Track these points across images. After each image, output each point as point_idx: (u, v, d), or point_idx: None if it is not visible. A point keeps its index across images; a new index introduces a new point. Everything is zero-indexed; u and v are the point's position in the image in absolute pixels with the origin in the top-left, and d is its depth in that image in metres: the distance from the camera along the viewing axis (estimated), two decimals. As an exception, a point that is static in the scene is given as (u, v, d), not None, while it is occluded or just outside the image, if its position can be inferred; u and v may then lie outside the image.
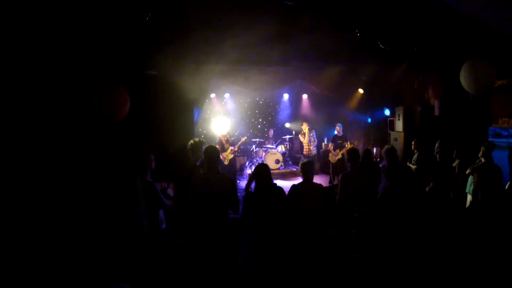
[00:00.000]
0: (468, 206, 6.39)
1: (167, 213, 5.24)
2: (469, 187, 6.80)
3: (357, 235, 3.05)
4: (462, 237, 4.06)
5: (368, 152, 7.69)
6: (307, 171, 5.27)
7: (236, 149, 11.66)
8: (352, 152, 5.84)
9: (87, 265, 5.01)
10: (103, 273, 4.76)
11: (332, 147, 11.30)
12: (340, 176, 5.84)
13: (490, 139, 8.95)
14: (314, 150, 11.89)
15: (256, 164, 12.47)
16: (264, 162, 5.36)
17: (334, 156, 11.13)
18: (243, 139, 11.76)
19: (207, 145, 5.08)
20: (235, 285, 5.05)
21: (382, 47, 6.60)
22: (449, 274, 3.64)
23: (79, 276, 4.80)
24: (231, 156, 11.24)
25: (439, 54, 7.50)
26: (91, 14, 5.26)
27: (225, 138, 11.19)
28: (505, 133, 9.16)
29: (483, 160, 6.54)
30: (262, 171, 4.95)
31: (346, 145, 11.01)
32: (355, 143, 11.59)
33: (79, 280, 4.74)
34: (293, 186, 5.26)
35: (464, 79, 5.83)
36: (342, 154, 10.89)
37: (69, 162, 6.18)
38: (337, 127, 11.47)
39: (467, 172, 6.83)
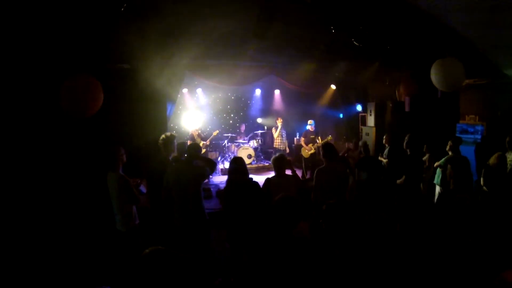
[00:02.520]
0: (440, 196, 6.60)
1: (140, 209, 5.14)
2: (437, 179, 7.02)
3: (325, 226, 3.09)
4: (434, 225, 4.17)
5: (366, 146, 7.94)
6: (280, 165, 5.28)
7: (208, 144, 11.66)
8: (327, 146, 5.84)
9: (58, 267, 4.86)
10: (77, 274, 4.62)
11: (304, 142, 11.44)
12: (315, 171, 5.85)
13: (457, 135, 9.23)
14: (282, 145, 12.24)
15: (229, 159, 12.65)
16: (239, 156, 5.32)
17: (307, 151, 11.31)
18: (214, 133, 11.81)
19: (180, 140, 5.07)
20: (215, 279, 5.04)
21: (356, 44, 6.64)
22: (421, 261, 3.73)
23: (51, 279, 4.66)
24: (203, 150, 11.21)
25: (410, 53, 7.64)
26: (59, 4, 5.08)
27: (197, 133, 11.15)
28: (472, 130, 9.47)
29: (450, 153, 6.76)
30: (239, 165, 4.95)
31: (318, 140, 11.28)
32: (328, 138, 11.81)
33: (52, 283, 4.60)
34: (268, 180, 5.27)
35: (434, 76, 5.94)
36: (315, 149, 11.14)
37: (37, 157, 5.98)
38: (309, 123, 11.64)
39: (435, 165, 7.03)
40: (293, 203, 3.01)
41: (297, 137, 13.79)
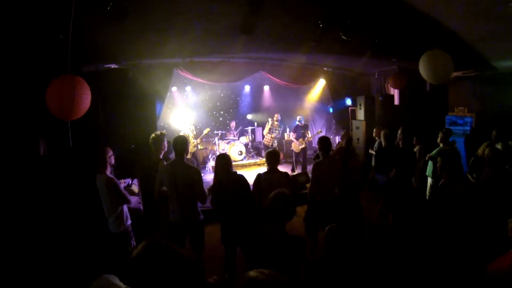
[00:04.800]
0: (433, 188, 6.64)
1: (133, 210, 5.10)
2: (428, 170, 7.06)
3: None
4: (429, 217, 4.20)
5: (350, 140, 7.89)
6: (272, 160, 5.27)
7: (199, 142, 11.61)
8: (324, 140, 5.81)
9: (51, 269, 4.80)
10: (71, 277, 4.56)
11: (294, 137, 11.55)
12: (313, 165, 5.84)
13: (447, 127, 9.29)
14: (275, 142, 12.25)
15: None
16: (223, 153, 5.28)
17: (298, 145, 11.39)
18: (205, 131, 11.74)
19: (169, 138, 5.02)
20: (210, 276, 5.03)
21: (344, 38, 6.63)
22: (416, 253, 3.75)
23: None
24: (194, 149, 11.17)
25: (398, 47, 7.66)
26: (45, 5, 5.00)
27: (191, 131, 11.10)
28: (461, 121, 9.54)
29: (441, 145, 6.80)
30: (221, 162, 4.95)
31: (307, 135, 11.41)
32: (318, 132, 11.98)
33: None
34: (258, 175, 5.26)
35: (423, 69, 5.96)
36: (305, 143, 11.30)
37: (24, 161, 5.88)
38: (298, 119, 11.80)
39: (427, 157, 7.07)
40: (286, 199, 3.01)
41: (287, 132, 13.85)
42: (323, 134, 13.59)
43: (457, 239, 3.76)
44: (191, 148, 10.90)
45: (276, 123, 12.07)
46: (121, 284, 1.91)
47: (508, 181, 4.52)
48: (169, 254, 1.75)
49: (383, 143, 7.18)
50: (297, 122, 11.71)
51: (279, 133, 12.28)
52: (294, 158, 11.71)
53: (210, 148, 13.63)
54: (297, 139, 11.42)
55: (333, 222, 3.40)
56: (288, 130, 13.92)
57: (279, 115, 12.33)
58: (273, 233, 2.95)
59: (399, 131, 6.87)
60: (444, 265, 3.56)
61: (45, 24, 5.24)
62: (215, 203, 4.92)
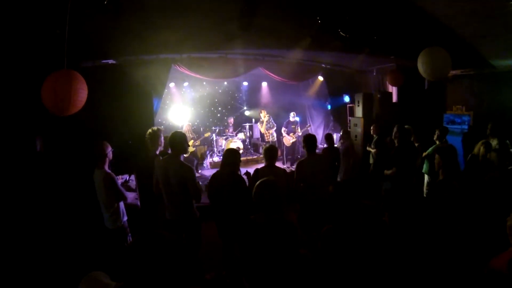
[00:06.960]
0: (430, 185, 6.64)
1: (130, 206, 5.08)
2: (425, 168, 7.07)
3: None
4: (426, 214, 4.21)
5: (329, 136, 7.89)
6: (270, 155, 5.27)
7: (198, 144, 11.95)
8: (308, 138, 5.75)
9: (46, 265, 4.78)
10: (66, 272, 4.55)
11: (286, 132, 12.22)
12: (296, 164, 5.83)
13: (444, 125, 9.29)
14: (274, 135, 12.76)
15: (217, 152, 12.67)
16: (231, 148, 5.27)
17: (289, 140, 12.15)
18: (206, 135, 12.24)
19: (166, 134, 5.00)
20: (207, 272, 5.04)
21: (343, 34, 6.60)
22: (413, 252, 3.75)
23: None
24: (193, 149, 11.21)
25: (397, 43, 7.63)
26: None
27: (190, 128, 11.13)
28: (459, 120, 9.55)
29: (437, 142, 6.81)
30: (224, 158, 4.96)
31: (297, 130, 12.09)
32: (307, 127, 12.88)
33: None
34: (257, 170, 5.28)
35: (421, 65, 5.95)
36: (295, 138, 12.08)
37: (19, 156, 5.86)
38: (291, 115, 12.39)
39: (423, 154, 7.08)
40: (270, 186, 3.01)
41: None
42: (321, 130, 13.83)
43: (455, 236, 3.77)
44: (190, 148, 10.92)
45: (263, 119, 12.69)
46: (109, 281, 1.88)
47: (508, 180, 4.53)
48: (163, 241, 1.73)
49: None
50: (290, 118, 12.28)
51: (270, 127, 12.79)
52: (285, 152, 12.44)
53: (207, 144, 13.65)
54: (288, 134, 12.14)
55: (326, 220, 3.40)
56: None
57: (264, 111, 13.02)
58: (263, 219, 2.95)
59: (395, 129, 6.84)
60: (442, 262, 3.56)
61: (41, 19, 5.20)
62: (210, 196, 4.95)
